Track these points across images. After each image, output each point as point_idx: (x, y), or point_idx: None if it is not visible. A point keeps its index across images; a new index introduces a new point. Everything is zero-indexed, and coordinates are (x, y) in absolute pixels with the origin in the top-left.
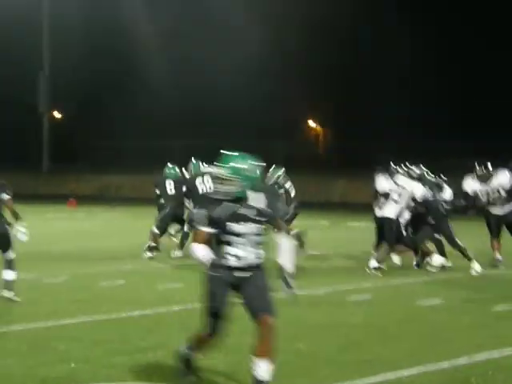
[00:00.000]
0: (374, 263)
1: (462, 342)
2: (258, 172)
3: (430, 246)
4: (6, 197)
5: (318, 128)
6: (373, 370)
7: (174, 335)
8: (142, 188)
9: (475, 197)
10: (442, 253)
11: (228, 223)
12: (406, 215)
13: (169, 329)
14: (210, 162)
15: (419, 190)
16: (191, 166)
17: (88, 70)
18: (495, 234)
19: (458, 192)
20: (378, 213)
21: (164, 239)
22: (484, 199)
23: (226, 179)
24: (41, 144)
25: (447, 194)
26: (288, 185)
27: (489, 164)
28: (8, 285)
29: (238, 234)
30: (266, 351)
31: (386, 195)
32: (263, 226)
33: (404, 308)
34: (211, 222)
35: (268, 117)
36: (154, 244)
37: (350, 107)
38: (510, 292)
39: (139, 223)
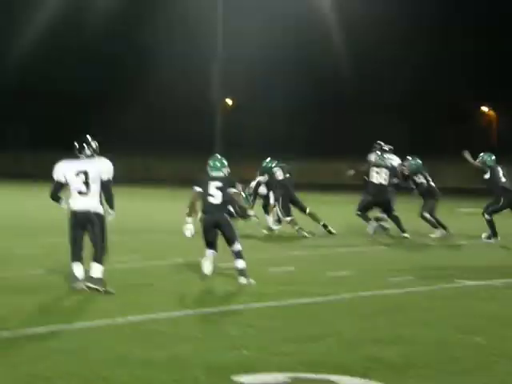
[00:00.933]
0: None
1: None
2: None
3: None
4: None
5: (492, 113)
6: None
7: (345, 323)
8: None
9: None
10: None
11: None
12: None
13: (340, 316)
14: None
15: None
16: None
17: (260, 57)
18: None
19: None
20: None
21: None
22: None
23: None
24: (213, 131)
25: None
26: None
27: None
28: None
29: None
30: None
31: None
32: None
33: None
34: None
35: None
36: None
37: None
38: None
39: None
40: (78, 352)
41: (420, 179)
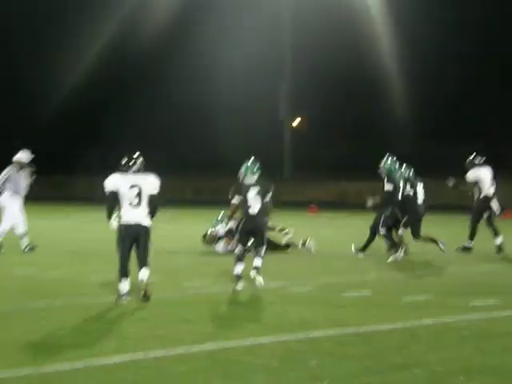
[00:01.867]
0: None
1: None
2: None
3: None
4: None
5: None
6: None
7: (429, 352)
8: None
9: None
10: None
11: None
12: None
13: (423, 344)
14: None
15: None
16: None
17: (328, 75)
18: None
19: None
20: None
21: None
22: None
23: None
24: (281, 151)
25: None
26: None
27: None
28: None
29: None
30: None
31: None
32: None
33: None
34: None
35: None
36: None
37: None
38: None
39: None
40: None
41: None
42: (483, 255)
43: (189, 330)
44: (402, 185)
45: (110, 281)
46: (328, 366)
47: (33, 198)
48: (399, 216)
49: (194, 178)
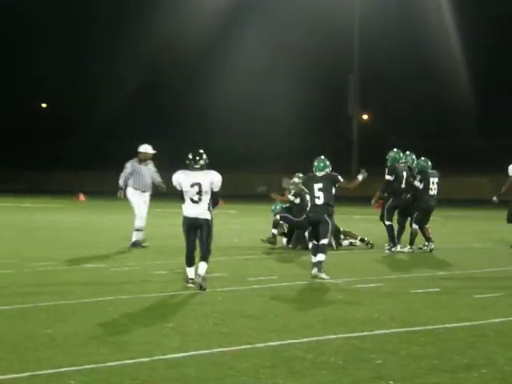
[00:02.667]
0: None
1: None
2: None
3: None
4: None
5: None
6: None
7: (498, 351)
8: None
9: None
10: None
11: None
12: None
13: (491, 344)
14: None
15: None
16: None
17: (394, 70)
18: None
19: None
20: None
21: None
22: None
23: None
24: (350, 146)
25: None
26: None
27: None
28: None
29: None
30: None
31: None
32: None
33: None
34: None
35: None
36: None
37: None
38: None
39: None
40: (213, 380)
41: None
42: None
43: (253, 326)
44: (404, 174)
45: (172, 276)
46: (393, 365)
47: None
48: (410, 210)
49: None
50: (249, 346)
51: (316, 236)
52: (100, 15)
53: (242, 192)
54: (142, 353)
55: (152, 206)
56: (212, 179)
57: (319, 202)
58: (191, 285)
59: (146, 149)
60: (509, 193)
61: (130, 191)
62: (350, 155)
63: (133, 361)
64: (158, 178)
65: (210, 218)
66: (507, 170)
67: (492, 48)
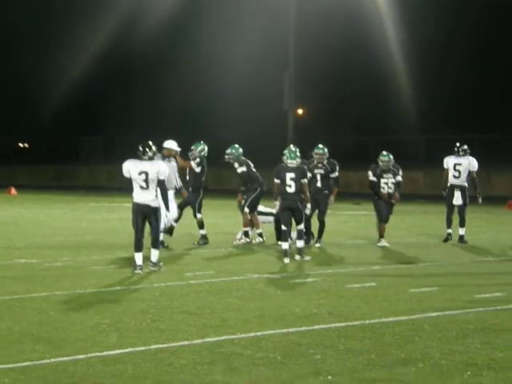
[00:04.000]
0: None
1: None
2: None
3: None
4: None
5: None
6: None
7: (434, 346)
8: None
9: None
10: None
11: None
12: None
13: (427, 338)
14: None
15: None
16: None
17: (333, 65)
18: None
19: None
20: None
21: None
22: None
23: None
24: (285, 141)
25: None
26: None
27: None
28: None
29: None
30: None
31: None
32: None
33: None
34: None
35: None
36: None
37: None
38: None
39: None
40: (151, 377)
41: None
42: (489, 246)
43: (190, 322)
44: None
45: (109, 271)
46: (331, 360)
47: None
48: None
49: None
50: (186, 343)
51: (288, 222)
52: None
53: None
54: (79, 350)
55: (86, 201)
56: (158, 168)
57: (290, 190)
58: (139, 271)
59: (170, 145)
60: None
61: None
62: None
63: (69, 358)
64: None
65: (158, 206)
66: (442, 163)
67: (430, 44)
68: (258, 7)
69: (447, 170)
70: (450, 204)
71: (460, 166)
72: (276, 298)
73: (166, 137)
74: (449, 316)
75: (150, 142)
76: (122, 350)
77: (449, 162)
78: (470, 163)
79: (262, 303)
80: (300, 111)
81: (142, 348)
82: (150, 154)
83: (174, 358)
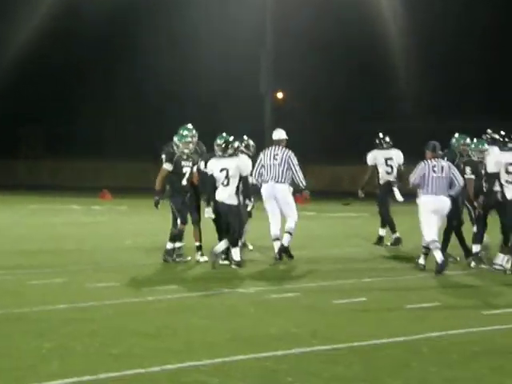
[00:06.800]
0: None
1: None
2: None
3: None
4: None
5: None
6: None
7: (433, 371)
8: None
9: None
10: None
11: None
12: None
13: (426, 362)
14: None
15: None
16: None
17: (309, 48)
18: None
19: None
20: None
21: None
22: None
23: None
24: (262, 127)
25: None
26: None
27: None
28: None
29: None
30: None
31: None
32: None
33: None
34: None
35: None
36: None
37: None
38: None
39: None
40: None
41: None
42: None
43: (147, 346)
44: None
45: (52, 287)
46: None
47: None
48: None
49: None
50: (142, 371)
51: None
52: None
53: (134, 184)
54: (13, 380)
55: (24, 202)
56: (237, 164)
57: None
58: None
59: (280, 135)
60: (371, 182)
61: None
62: (263, 137)
63: None
64: None
65: (235, 203)
66: (365, 159)
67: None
68: None
69: (374, 166)
70: (387, 202)
71: (391, 160)
72: (249, 316)
73: (124, 126)
74: (451, 336)
75: (231, 138)
76: (65, 380)
77: (377, 156)
78: (398, 155)
79: (233, 323)
80: (280, 95)
81: (90, 377)
82: (230, 151)
83: None
